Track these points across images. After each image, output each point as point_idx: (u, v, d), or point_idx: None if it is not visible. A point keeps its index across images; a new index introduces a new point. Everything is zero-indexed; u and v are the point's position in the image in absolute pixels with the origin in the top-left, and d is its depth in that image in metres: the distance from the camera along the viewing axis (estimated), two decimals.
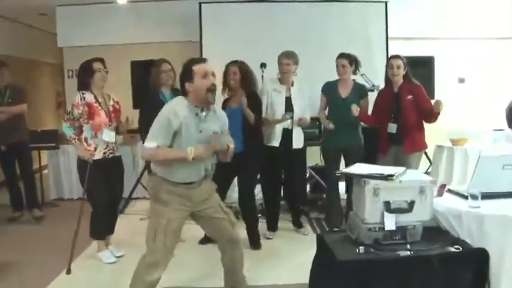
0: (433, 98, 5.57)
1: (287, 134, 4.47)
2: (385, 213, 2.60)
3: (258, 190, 4.71)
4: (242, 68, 4.31)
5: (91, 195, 3.99)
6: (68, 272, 3.83)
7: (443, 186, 2.93)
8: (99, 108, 3.92)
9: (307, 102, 4.60)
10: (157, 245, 2.74)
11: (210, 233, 3.10)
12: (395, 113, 4.32)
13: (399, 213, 2.62)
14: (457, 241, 2.62)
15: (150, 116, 2.97)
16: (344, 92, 4.60)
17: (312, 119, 4.86)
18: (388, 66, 4.35)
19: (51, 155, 6.26)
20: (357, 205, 2.77)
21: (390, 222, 2.59)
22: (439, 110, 4.03)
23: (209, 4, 6.10)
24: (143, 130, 3.76)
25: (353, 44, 5.70)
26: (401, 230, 2.63)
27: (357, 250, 2.53)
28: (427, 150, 5.45)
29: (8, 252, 4.36)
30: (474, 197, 2.61)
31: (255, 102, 4.31)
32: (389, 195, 2.60)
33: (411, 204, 2.62)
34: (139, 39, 6.47)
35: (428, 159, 5.60)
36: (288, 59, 4.46)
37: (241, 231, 4.18)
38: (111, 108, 4.02)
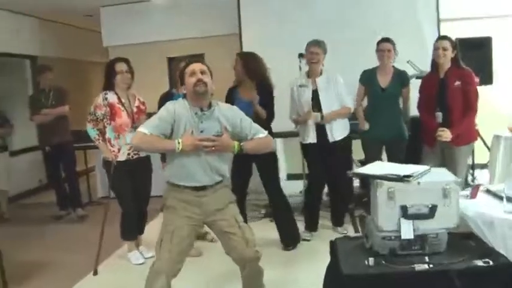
0: (491, 82, 5.06)
1: (320, 127, 4.18)
2: (402, 220, 2.27)
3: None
4: (243, 58, 4.18)
5: (117, 196, 3.98)
6: (95, 273, 3.85)
7: (477, 186, 2.53)
8: (122, 109, 3.88)
9: (338, 92, 4.18)
10: (163, 253, 2.61)
11: (223, 247, 2.83)
12: (441, 100, 3.89)
13: (419, 220, 2.28)
14: (489, 253, 2.22)
15: None
16: (383, 80, 4.24)
17: None
18: (434, 48, 3.92)
19: (98, 154, 6.37)
20: (373, 210, 2.45)
21: (407, 230, 2.26)
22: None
23: None
24: None
25: (400, 28, 5.32)
26: (421, 239, 2.27)
27: (366, 262, 2.24)
28: (486, 140, 4.96)
29: (46, 251, 4.51)
30: (510, 200, 2.22)
31: (265, 92, 4.08)
32: (406, 199, 2.27)
33: (433, 209, 2.27)
34: (180, 35, 6.42)
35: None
36: (316, 47, 4.16)
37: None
38: (134, 109, 3.96)
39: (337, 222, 4.51)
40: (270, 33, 5.77)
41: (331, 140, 4.17)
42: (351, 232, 4.39)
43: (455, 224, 2.30)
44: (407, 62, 4.85)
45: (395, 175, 2.29)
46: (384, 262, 2.22)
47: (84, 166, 6.22)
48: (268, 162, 4.08)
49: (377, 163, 2.60)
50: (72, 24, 7.52)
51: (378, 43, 4.23)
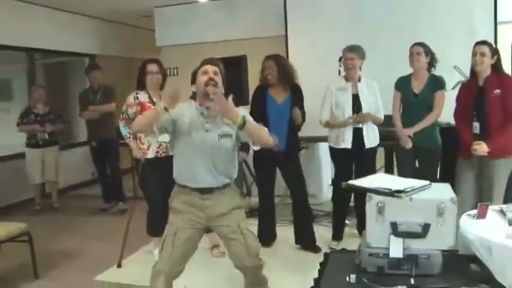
0: None
1: (358, 133, 4.04)
2: (391, 237, 2.14)
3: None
4: (278, 61, 4.11)
5: (145, 193, 4.07)
6: (119, 265, 3.98)
7: (486, 205, 2.31)
8: (152, 108, 3.97)
9: (375, 100, 4.08)
10: (164, 254, 2.65)
11: (227, 253, 2.81)
12: (478, 110, 3.62)
13: (410, 238, 2.13)
14: (487, 280, 2.03)
15: None
16: (417, 86, 4.01)
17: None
18: (472, 54, 3.65)
19: None
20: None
21: (397, 248, 2.12)
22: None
23: None
24: None
25: (454, 33, 5.04)
26: (411, 259, 2.13)
27: (348, 278, 2.12)
28: None
29: (81, 240, 4.77)
30: None
31: (300, 95, 4.10)
32: (397, 215, 2.14)
33: (425, 228, 2.11)
34: (229, 36, 6.47)
35: None
36: (352, 53, 4.04)
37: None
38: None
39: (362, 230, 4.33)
40: (317, 35, 5.65)
41: (367, 145, 4.03)
42: None
43: (450, 246, 2.13)
44: (454, 67, 4.57)
45: (387, 189, 2.16)
46: (365, 280, 2.10)
47: (131, 163, 6.45)
48: (297, 168, 4.11)
49: (379, 175, 2.46)
50: (130, 23, 7.82)
51: (410, 47, 4.00)
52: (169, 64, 7.00)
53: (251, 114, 4.03)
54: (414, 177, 2.53)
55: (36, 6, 6.34)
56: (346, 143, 4.04)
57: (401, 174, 4.13)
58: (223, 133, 2.64)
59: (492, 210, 2.41)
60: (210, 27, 6.63)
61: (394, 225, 2.13)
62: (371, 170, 4.14)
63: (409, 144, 3.91)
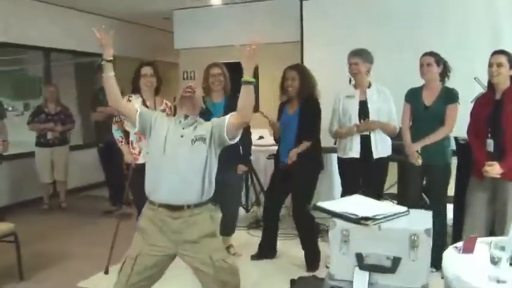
0: None
1: (365, 141, 3.77)
2: (356, 270, 1.88)
3: None
4: (301, 72, 3.90)
5: (134, 198, 3.97)
6: (106, 272, 3.86)
7: (474, 238, 2.01)
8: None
9: (386, 107, 3.79)
10: (122, 276, 2.44)
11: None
12: (493, 125, 3.27)
13: (377, 273, 1.86)
14: None
15: None
16: (428, 98, 3.71)
17: None
18: (488, 64, 3.31)
19: None
20: None
21: (361, 283, 1.87)
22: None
23: (312, 0, 5.58)
24: None
25: (476, 39, 4.68)
26: None
27: None
28: None
29: (77, 242, 4.72)
30: (496, 262, 1.71)
31: (312, 111, 3.85)
32: (363, 246, 1.89)
33: (395, 262, 1.85)
34: (245, 41, 6.29)
35: None
36: (356, 57, 3.79)
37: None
38: None
39: None
40: (332, 41, 5.40)
41: (375, 156, 3.74)
42: None
43: (422, 284, 1.84)
44: (474, 78, 4.18)
45: (353, 215, 1.91)
46: None
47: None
48: (303, 181, 3.87)
49: (356, 197, 2.18)
50: (150, 25, 7.78)
51: (420, 58, 3.71)
52: (186, 67, 6.96)
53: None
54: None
55: (56, 7, 6.38)
56: (354, 152, 3.77)
57: (407, 193, 3.87)
58: (196, 137, 2.46)
59: (484, 244, 2.11)
60: (227, 31, 6.52)
61: (359, 257, 1.88)
62: (379, 184, 3.90)
63: (419, 161, 3.61)
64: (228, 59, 6.39)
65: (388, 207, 2.01)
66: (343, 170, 3.95)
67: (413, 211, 2.04)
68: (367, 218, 1.87)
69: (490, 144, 3.27)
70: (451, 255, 2.02)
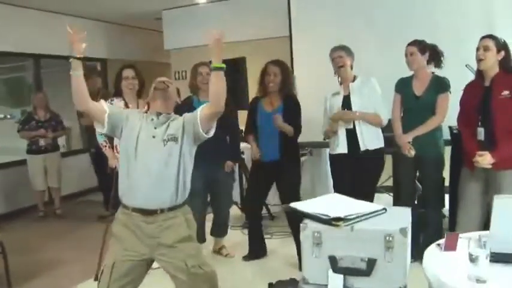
0: None
1: (351, 134, 3.64)
2: (330, 273, 1.79)
3: None
4: (283, 69, 3.84)
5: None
6: (96, 279, 3.78)
7: (455, 234, 1.90)
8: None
9: (372, 98, 3.64)
10: (101, 286, 2.37)
11: None
12: (484, 114, 3.14)
13: (352, 276, 1.77)
14: None
15: None
16: (419, 88, 3.60)
17: None
18: (476, 48, 3.19)
19: None
20: None
21: (335, 286, 1.76)
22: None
23: None
24: None
25: (471, 26, 4.49)
26: None
27: None
28: None
29: (69, 249, 4.67)
30: (474, 260, 1.61)
31: (295, 106, 3.83)
32: (336, 248, 1.78)
33: (370, 264, 1.75)
34: (235, 38, 6.20)
35: None
36: (339, 51, 3.69)
37: None
38: None
39: None
40: (322, 35, 5.25)
41: (362, 148, 3.59)
42: None
43: (400, 286, 1.74)
44: (466, 65, 4.05)
45: (324, 215, 1.81)
46: None
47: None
48: (291, 180, 3.84)
49: (331, 196, 2.08)
50: (142, 26, 7.70)
51: (405, 48, 3.61)
52: (177, 67, 6.88)
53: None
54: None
55: (45, 13, 6.32)
56: (341, 147, 3.65)
57: (401, 186, 3.79)
58: (168, 137, 2.36)
59: (469, 239, 2.01)
60: (218, 28, 6.39)
61: (333, 260, 1.79)
62: (371, 179, 3.76)
63: (412, 153, 3.50)
64: (222, 56, 6.37)
65: (364, 206, 1.90)
66: (333, 167, 3.86)
67: (391, 209, 1.94)
68: (338, 219, 1.77)
69: (481, 132, 3.15)
70: (432, 253, 1.92)
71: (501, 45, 3.09)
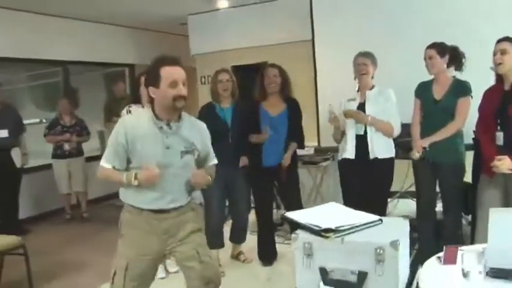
0: None
1: (361, 141, 3.59)
2: (321, 285, 1.75)
3: None
4: (282, 71, 3.91)
5: None
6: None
7: (455, 247, 1.83)
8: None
9: (387, 109, 3.59)
10: None
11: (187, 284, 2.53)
12: (502, 117, 3.02)
13: None
14: None
15: None
16: (438, 92, 3.50)
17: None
18: (493, 52, 3.07)
19: None
20: None
21: None
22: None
23: None
24: None
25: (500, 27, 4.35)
26: None
27: None
28: None
29: (93, 251, 4.76)
30: (466, 275, 1.54)
31: (299, 111, 3.95)
32: (327, 260, 1.75)
33: (361, 277, 1.70)
34: (258, 42, 6.24)
35: None
36: (365, 58, 3.65)
37: None
38: None
39: None
40: (345, 39, 5.20)
41: (371, 156, 3.54)
42: None
43: None
44: (491, 68, 3.90)
45: (316, 226, 1.77)
46: None
47: None
48: (293, 185, 3.88)
49: (330, 205, 2.04)
50: (168, 31, 7.79)
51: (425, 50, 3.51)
52: (203, 72, 6.93)
53: (242, 130, 3.86)
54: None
55: (73, 21, 6.50)
56: (349, 152, 3.61)
57: (420, 193, 3.67)
58: (186, 149, 2.34)
59: (472, 252, 1.93)
60: (240, 34, 6.47)
61: (323, 272, 1.75)
62: (380, 189, 3.69)
63: (416, 155, 3.40)
64: (242, 61, 6.39)
65: (359, 217, 1.85)
66: (341, 172, 3.83)
67: (388, 219, 1.88)
68: (328, 230, 1.73)
69: (500, 137, 3.03)
70: (430, 266, 1.86)
71: None
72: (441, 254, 1.94)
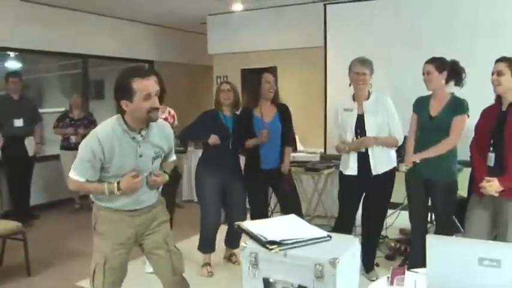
0: None
1: (363, 158, 3.59)
2: None
3: None
4: (275, 77, 4.03)
5: None
6: None
7: (401, 269, 1.83)
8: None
9: (387, 118, 3.58)
10: (96, 285, 2.46)
11: (152, 268, 2.67)
12: (497, 139, 2.97)
13: None
14: None
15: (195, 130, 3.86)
16: (435, 108, 3.45)
17: None
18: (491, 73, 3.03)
19: (184, 159, 6.55)
20: None
21: None
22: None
23: (336, 5, 5.42)
24: (183, 136, 4.24)
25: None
26: None
27: None
28: None
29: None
30: None
31: (289, 116, 4.03)
32: (271, 272, 1.79)
33: None
34: (274, 46, 6.29)
35: None
36: (364, 67, 3.57)
37: None
38: None
39: (368, 265, 3.82)
40: (357, 45, 5.17)
41: (374, 173, 3.56)
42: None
43: None
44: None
45: (263, 237, 1.81)
46: None
47: None
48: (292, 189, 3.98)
49: (288, 217, 2.07)
50: (189, 29, 7.91)
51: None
52: (219, 72, 7.02)
53: (237, 136, 3.94)
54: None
55: (96, 16, 6.69)
56: (351, 169, 3.62)
57: (412, 212, 3.64)
58: (156, 154, 2.44)
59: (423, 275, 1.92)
60: (255, 37, 6.53)
61: (267, 283, 1.79)
62: (382, 201, 3.72)
63: (403, 168, 3.41)
64: (254, 65, 6.45)
65: (308, 232, 1.87)
66: (341, 185, 3.82)
67: (338, 237, 1.90)
68: (273, 242, 1.76)
69: (491, 158, 2.99)
70: (378, 286, 1.87)
71: None
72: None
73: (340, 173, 3.78)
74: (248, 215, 4.13)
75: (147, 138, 2.36)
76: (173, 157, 2.66)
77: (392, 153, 3.69)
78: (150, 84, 2.26)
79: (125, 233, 2.44)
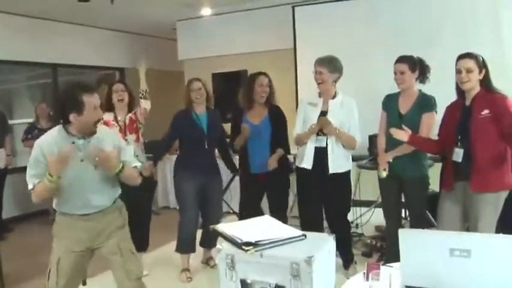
0: None
1: (320, 153, 3.59)
2: None
3: None
4: (270, 80, 3.95)
5: None
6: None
7: (376, 264, 1.86)
8: (115, 125, 3.89)
9: (349, 121, 3.62)
10: (51, 284, 2.57)
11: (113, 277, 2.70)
12: (463, 134, 3.04)
13: None
14: None
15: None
16: (404, 106, 3.52)
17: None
18: (456, 70, 3.09)
19: (159, 165, 6.48)
20: None
21: None
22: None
23: (304, 6, 5.49)
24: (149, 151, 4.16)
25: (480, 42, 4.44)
26: None
27: None
28: None
29: None
30: None
31: (282, 117, 3.97)
32: (248, 272, 1.80)
33: None
34: (244, 49, 6.32)
35: None
36: (320, 66, 3.61)
37: None
38: (127, 122, 3.93)
39: (345, 263, 3.87)
40: (327, 47, 5.19)
41: (331, 170, 3.57)
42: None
43: None
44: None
45: (238, 239, 1.82)
46: None
47: None
48: (282, 190, 3.95)
49: (262, 218, 2.09)
50: (158, 36, 7.90)
51: (394, 63, 3.52)
52: (190, 77, 6.86)
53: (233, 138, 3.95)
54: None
55: (64, 24, 6.61)
56: (306, 162, 3.62)
57: (386, 209, 3.70)
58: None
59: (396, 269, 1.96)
60: (222, 41, 6.58)
61: (244, 284, 1.80)
62: (340, 202, 3.74)
63: (383, 174, 3.43)
64: (224, 68, 6.45)
65: (283, 232, 1.89)
66: (299, 180, 3.81)
67: (312, 235, 1.92)
68: (248, 243, 1.78)
69: (459, 153, 3.06)
70: (356, 281, 1.90)
71: (482, 64, 2.99)
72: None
73: (297, 167, 3.77)
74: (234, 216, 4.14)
75: (88, 143, 2.46)
76: (135, 163, 2.67)
77: (349, 154, 3.72)
78: (97, 98, 2.46)
79: (78, 236, 2.53)
